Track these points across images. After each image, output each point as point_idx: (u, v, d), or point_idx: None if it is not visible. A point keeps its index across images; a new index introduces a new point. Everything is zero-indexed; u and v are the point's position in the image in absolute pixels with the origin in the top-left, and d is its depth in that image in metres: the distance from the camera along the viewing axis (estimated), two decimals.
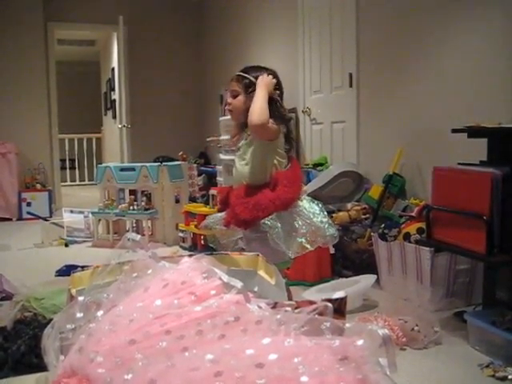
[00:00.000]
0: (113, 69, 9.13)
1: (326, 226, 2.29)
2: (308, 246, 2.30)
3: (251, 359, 0.81)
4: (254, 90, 2.39)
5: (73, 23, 7.82)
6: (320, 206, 2.37)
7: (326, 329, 0.85)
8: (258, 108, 2.31)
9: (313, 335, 0.88)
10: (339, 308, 1.21)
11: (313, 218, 2.31)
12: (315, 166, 4.55)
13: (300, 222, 2.32)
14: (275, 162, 2.39)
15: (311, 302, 1.06)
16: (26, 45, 7.00)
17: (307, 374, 0.78)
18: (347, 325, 0.86)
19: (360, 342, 0.80)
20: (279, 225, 2.31)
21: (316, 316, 0.90)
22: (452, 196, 2.61)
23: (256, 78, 2.44)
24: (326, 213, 2.35)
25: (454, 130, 2.79)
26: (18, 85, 6.97)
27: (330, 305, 0.96)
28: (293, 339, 0.85)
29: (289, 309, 0.97)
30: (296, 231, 2.31)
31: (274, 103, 2.42)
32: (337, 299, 1.21)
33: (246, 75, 2.49)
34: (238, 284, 1.01)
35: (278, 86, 2.48)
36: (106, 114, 10.72)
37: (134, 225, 5.07)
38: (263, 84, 2.40)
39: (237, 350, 0.83)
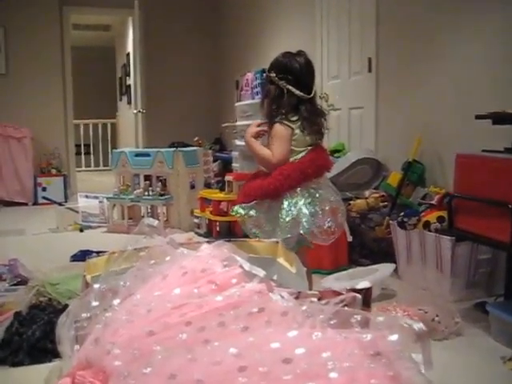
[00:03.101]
0: (128, 54, 9.09)
1: (303, 224, 2.33)
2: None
3: (277, 353, 0.76)
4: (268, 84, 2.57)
5: (88, 7, 7.77)
6: (313, 208, 2.39)
7: (356, 322, 0.80)
8: (260, 160, 2.51)
9: (340, 328, 0.84)
10: (364, 298, 1.16)
11: (284, 217, 2.41)
12: (332, 152, 4.47)
13: (283, 213, 2.41)
14: None
15: (336, 293, 1.01)
16: (41, 29, 6.97)
17: (336, 369, 0.74)
18: (379, 318, 0.81)
19: (393, 337, 0.75)
20: (252, 212, 2.44)
21: (345, 308, 0.85)
22: (475, 184, 2.54)
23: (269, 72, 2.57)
24: (314, 218, 2.38)
25: (478, 116, 2.70)
26: (34, 70, 6.95)
27: (359, 296, 0.91)
28: (320, 332, 0.80)
29: (314, 299, 0.92)
30: (278, 221, 2.40)
31: (285, 93, 2.44)
32: (362, 289, 1.16)
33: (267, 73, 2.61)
34: (261, 273, 0.97)
35: (285, 72, 2.49)
36: (121, 100, 10.70)
37: (149, 210, 5.04)
38: (246, 139, 2.59)
39: (261, 343, 0.79)
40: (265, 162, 2.50)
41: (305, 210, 2.36)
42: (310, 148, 2.49)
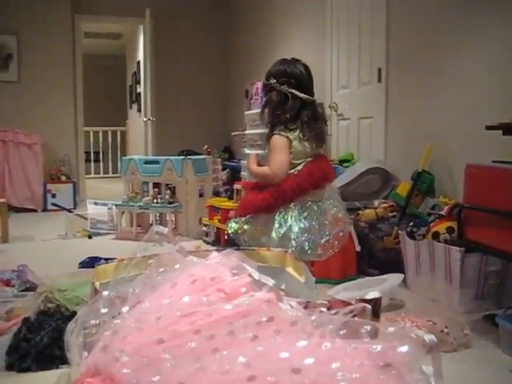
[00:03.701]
0: (138, 62, 9.14)
1: (291, 243, 2.31)
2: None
3: (286, 363, 0.76)
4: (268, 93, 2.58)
5: (100, 16, 7.83)
6: (308, 222, 2.37)
7: (366, 332, 0.80)
8: (261, 178, 2.53)
9: (350, 338, 0.83)
10: (374, 309, 1.15)
11: (274, 235, 2.40)
12: (341, 162, 4.47)
13: (274, 231, 2.40)
14: None
15: (345, 303, 1.01)
16: (53, 37, 7.03)
17: (346, 380, 0.73)
18: (389, 329, 0.80)
19: (403, 348, 0.75)
20: (246, 226, 2.45)
21: (354, 318, 0.85)
22: (485, 194, 2.53)
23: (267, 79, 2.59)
24: (308, 233, 2.37)
25: (488, 127, 2.70)
26: (45, 77, 7.00)
27: (368, 306, 0.91)
28: (329, 342, 0.80)
29: (324, 309, 0.92)
30: (269, 235, 2.39)
31: (289, 98, 2.42)
32: (371, 299, 1.15)
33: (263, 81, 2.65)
34: (270, 282, 0.97)
35: (286, 77, 2.48)
36: (131, 108, 10.75)
37: (158, 218, 5.05)
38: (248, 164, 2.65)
39: (270, 352, 0.78)
40: (266, 179, 2.48)
41: (295, 228, 2.32)
42: (308, 160, 2.46)
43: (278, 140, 2.43)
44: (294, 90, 2.46)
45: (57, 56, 7.07)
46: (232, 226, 2.50)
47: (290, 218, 2.36)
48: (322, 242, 2.35)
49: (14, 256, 3.56)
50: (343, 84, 4.90)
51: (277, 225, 2.37)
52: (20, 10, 6.82)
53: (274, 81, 2.50)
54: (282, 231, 2.33)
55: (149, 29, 7.19)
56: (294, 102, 2.46)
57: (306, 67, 2.57)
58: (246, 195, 2.60)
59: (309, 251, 2.32)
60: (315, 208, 2.40)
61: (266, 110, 2.59)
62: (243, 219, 2.48)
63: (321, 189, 2.44)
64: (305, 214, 2.37)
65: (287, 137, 2.43)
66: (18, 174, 6.70)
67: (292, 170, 2.42)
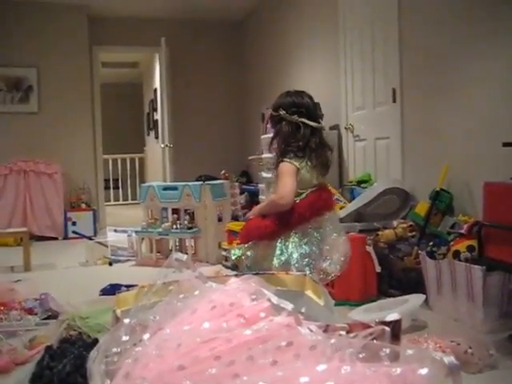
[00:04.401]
0: (155, 90, 9.27)
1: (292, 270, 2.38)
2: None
3: None
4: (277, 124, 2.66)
5: (116, 46, 8.00)
6: (308, 247, 2.44)
7: (385, 355, 0.80)
8: (270, 209, 2.56)
9: (369, 361, 0.83)
10: (393, 331, 1.15)
11: (275, 262, 2.47)
12: (359, 183, 4.47)
13: (275, 258, 2.48)
14: None
15: (365, 325, 1.01)
16: (72, 69, 7.17)
17: None
18: (409, 351, 0.80)
19: (424, 371, 0.75)
20: (249, 252, 2.54)
21: (373, 341, 0.85)
22: (505, 212, 2.51)
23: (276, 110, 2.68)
24: (309, 258, 2.45)
25: (505, 144, 2.69)
26: (64, 107, 7.14)
27: (387, 329, 0.91)
28: (349, 366, 0.80)
29: (343, 333, 0.92)
30: (270, 261, 2.47)
31: (301, 127, 2.53)
32: (391, 322, 1.15)
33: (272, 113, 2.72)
34: (289, 306, 0.97)
35: (296, 107, 2.61)
36: (148, 134, 10.88)
37: (177, 243, 5.07)
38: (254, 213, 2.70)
39: (290, 377, 0.79)
40: (274, 205, 2.54)
41: (295, 255, 2.40)
42: (311, 189, 2.54)
43: (287, 166, 2.52)
44: (304, 120, 2.56)
45: (75, 86, 7.21)
46: (235, 252, 2.60)
47: (290, 245, 2.46)
48: (324, 266, 2.43)
49: (36, 284, 3.59)
50: (358, 105, 4.92)
51: (278, 251, 2.46)
52: (40, 43, 7.00)
53: (284, 112, 2.59)
54: (283, 258, 2.43)
55: (164, 57, 7.31)
56: (305, 130, 2.56)
57: (310, 97, 2.69)
58: (249, 222, 2.68)
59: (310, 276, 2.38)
60: (315, 234, 2.50)
61: (276, 140, 2.68)
62: (246, 246, 2.57)
63: (321, 216, 2.52)
64: (305, 240, 2.47)
65: (296, 165, 2.51)
66: (39, 202, 6.80)
67: (295, 199, 2.49)
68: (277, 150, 2.66)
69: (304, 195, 2.51)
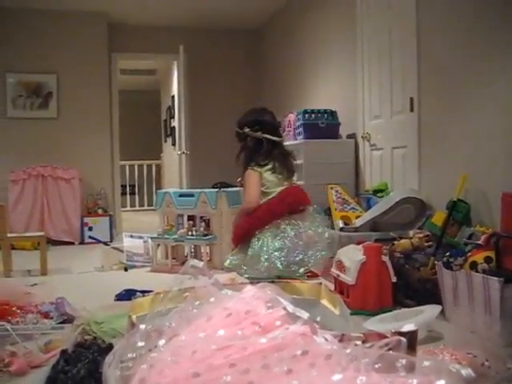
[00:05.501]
0: (173, 97, 9.33)
1: (278, 268, 2.64)
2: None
3: None
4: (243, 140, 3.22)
5: (135, 53, 8.07)
6: (282, 242, 2.72)
7: (402, 366, 0.79)
8: (241, 213, 3.10)
9: (385, 372, 0.83)
10: (410, 342, 1.14)
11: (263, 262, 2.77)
12: (375, 192, 4.45)
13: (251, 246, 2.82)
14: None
15: (381, 335, 1.00)
16: (90, 75, 7.25)
17: None
18: (425, 362, 0.80)
19: (440, 383, 0.74)
20: (238, 256, 2.89)
21: (389, 351, 0.84)
22: None
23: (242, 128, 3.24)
24: (283, 252, 2.72)
25: None
26: (83, 113, 7.21)
27: (403, 339, 0.90)
28: (365, 376, 0.79)
29: (358, 342, 0.92)
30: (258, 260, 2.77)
31: (263, 142, 2.98)
32: (407, 332, 1.14)
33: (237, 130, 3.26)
34: (305, 315, 0.97)
35: (259, 124, 3.07)
36: (165, 141, 10.94)
37: (193, 250, 5.08)
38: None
39: None
40: (243, 210, 2.99)
41: (266, 247, 2.66)
42: (281, 188, 2.95)
43: (251, 175, 2.97)
44: (267, 135, 3.01)
45: (94, 93, 7.29)
46: (227, 261, 2.96)
47: (264, 238, 2.73)
48: (297, 259, 2.70)
49: (52, 288, 3.62)
50: (376, 114, 4.91)
51: (252, 245, 2.71)
52: (60, 50, 7.09)
53: (248, 129, 3.06)
54: (254, 251, 2.69)
55: (182, 64, 7.36)
56: (268, 144, 3.00)
57: (271, 113, 3.16)
58: (234, 230, 3.15)
59: (281, 268, 2.68)
60: (289, 230, 2.78)
61: (242, 155, 3.16)
62: (234, 251, 2.95)
63: (299, 213, 2.87)
64: (279, 236, 2.74)
65: (258, 170, 2.94)
66: (57, 207, 6.86)
67: (266, 199, 2.92)
68: (243, 162, 3.09)
69: (274, 194, 2.88)
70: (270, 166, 2.95)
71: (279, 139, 3.02)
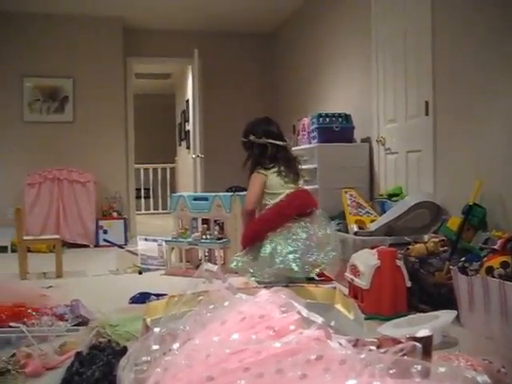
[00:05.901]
0: (187, 100, 9.37)
1: (294, 270, 2.74)
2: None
3: None
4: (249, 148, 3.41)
5: (150, 58, 8.11)
6: (295, 244, 2.87)
7: (417, 372, 0.78)
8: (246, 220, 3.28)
9: (400, 378, 0.82)
10: (425, 347, 1.13)
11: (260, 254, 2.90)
12: (390, 196, 4.43)
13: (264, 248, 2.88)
14: (265, 201, 3.14)
15: (395, 341, 0.99)
16: (106, 79, 7.31)
17: None
18: (441, 368, 0.79)
19: None
20: (246, 258, 2.96)
21: (404, 357, 0.84)
22: None
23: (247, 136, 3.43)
24: (296, 254, 2.82)
25: None
26: (98, 117, 7.27)
27: (418, 345, 0.90)
28: (379, 382, 0.79)
29: (373, 347, 0.91)
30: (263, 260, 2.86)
31: (268, 147, 3.16)
32: (422, 338, 1.13)
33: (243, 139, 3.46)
34: (319, 319, 0.97)
35: (263, 131, 3.25)
36: (180, 145, 10.98)
37: (207, 254, 5.08)
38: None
39: None
40: (244, 211, 3.25)
41: (279, 249, 2.72)
42: (288, 191, 3.04)
43: (255, 178, 3.14)
44: (271, 140, 3.16)
45: (109, 97, 7.34)
46: (233, 264, 3.01)
47: (276, 241, 2.79)
48: (310, 260, 2.77)
49: (67, 291, 3.64)
50: (390, 118, 4.89)
51: (264, 248, 2.88)
52: (76, 55, 7.16)
53: (253, 137, 3.24)
54: (268, 252, 2.75)
55: (197, 69, 7.39)
56: (273, 148, 3.14)
57: (274, 121, 3.36)
58: (243, 232, 3.26)
59: (297, 269, 2.74)
60: (300, 232, 2.85)
61: (249, 162, 3.32)
62: (242, 253, 3.00)
63: (307, 216, 2.96)
64: (291, 239, 2.81)
65: (263, 173, 3.09)
66: (72, 210, 6.91)
67: (274, 201, 3.02)
68: (250, 168, 3.24)
69: (282, 196, 2.98)
70: (275, 169, 3.07)
71: (284, 143, 3.16)
